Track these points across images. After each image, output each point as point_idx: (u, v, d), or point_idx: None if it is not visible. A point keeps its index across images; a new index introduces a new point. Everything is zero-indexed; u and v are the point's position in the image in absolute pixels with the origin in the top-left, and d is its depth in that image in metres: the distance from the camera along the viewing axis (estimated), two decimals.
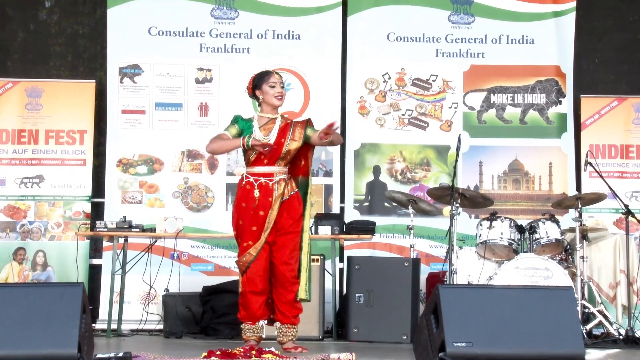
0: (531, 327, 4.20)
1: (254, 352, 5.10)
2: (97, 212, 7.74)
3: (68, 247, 7.51)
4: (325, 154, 7.84)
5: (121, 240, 6.79)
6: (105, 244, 7.35)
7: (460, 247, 6.76)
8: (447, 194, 6.65)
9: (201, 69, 7.88)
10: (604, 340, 6.36)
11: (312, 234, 6.31)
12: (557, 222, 6.77)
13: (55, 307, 4.13)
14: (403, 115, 7.93)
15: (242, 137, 5.20)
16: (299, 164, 5.36)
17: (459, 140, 6.52)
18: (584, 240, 6.66)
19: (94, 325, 6.92)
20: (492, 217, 6.73)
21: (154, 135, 7.79)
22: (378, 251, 7.62)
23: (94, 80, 7.88)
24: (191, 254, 7.65)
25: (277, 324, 5.31)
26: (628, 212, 6.62)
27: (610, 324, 6.46)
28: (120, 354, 4.47)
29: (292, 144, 5.24)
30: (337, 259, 6.98)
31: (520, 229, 6.78)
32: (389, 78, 7.95)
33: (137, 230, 6.69)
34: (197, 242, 7.63)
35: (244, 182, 5.27)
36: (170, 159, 7.80)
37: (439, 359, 4.09)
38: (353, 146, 7.88)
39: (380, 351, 5.78)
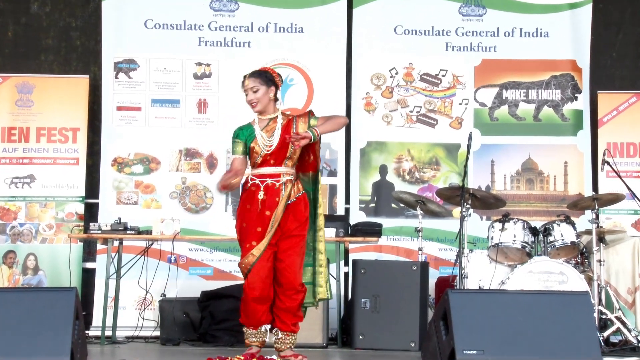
0: (545, 335, 4.19)
1: (255, 359, 5.10)
2: (90, 213, 7.75)
3: (60, 250, 7.51)
4: (329, 153, 7.84)
5: (116, 243, 6.79)
6: (99, 246, 7.36)
7: (471, 250, 6.74)
8: (457, 195, 6.64)
9: (200, 64, 7.88)
10: (622, 348, 6.34)
11: None
12: (572, 224, 6.75)
13: (46, 313, 4.14)
14: (411, 112, 7.92)
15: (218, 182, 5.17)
16: (307, 160, 5.34)
17: (470, 138, 6.51)
18: (601, 243, 6.65)
19: (87, 332, 6.92)
20: (505, 218, 6.72)
21: (150, 133, 7.80)
22: (385, 254, 7.62)
23: (87, 76, 7.88)
24: (189, 257, 7.65)
25: (276, 330, 5.31)
26: None
27: (629, 330, 6.44)
28: None
29: None
30: (342, 262, 6.98)
31: (534, 231, 6.77)
32: (397, 73, 7.94)
33: (133, 232, 6.69)
34: (196, 244, 7.63)
35: (249, 185, 5.25)
36: (167, 158, 7.80)
37: None
38: (358, 144, 7.87)
39: (386, 359, 5.76)
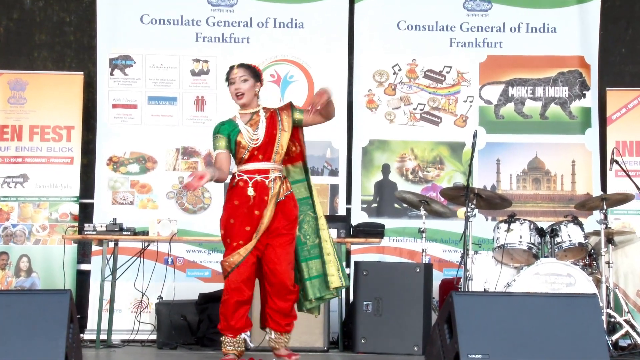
0: (552, 338, 4.20)
1: None
2: (85, 214, 7.76)
3: (54, 251, 7.52)
4: (330, 152, 7.85)
5: (111, 244, 6.80)
6: (94, 248, 7.36)
7: (476, 252, 6.75)
8: (461, 195, 6.65)
9: (197, 60, 7.89)
10: (631, 352, 6.35)
11: None
12: (580, 224, 6.76)
13: (40, 316, 4.14)
14: (414, 109, 7.93)
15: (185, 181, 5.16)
16: (294, 151, 5.38)
17: (475, 136, 6.51)
18: (610, 244, 6.66)
19: (82, 335, 6.92)
20: (511, 219, 6.72)
21: (146, 132, 7.80)
22: (387, 256, 7.63)
23: (82, 72, 7.89)
24: (186, 259, 7.66)
25: (269, 330, 5.32)
26: None
27: (638, 334, 6.45)
28: None
29: (284, 135, 5.26)
30: (344, 264, 6.98)
31: (540, 232, 6.77)
32: (400, 70, 7.95)
33: (129, 233, 6.70)
34: (193, 246, 7.63)
35: (235, 180, 5.27)
36: (164, 157, 7.81)
37: None
38: (360, 143, 7.88)
39: None
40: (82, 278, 7.65)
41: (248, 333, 5.28)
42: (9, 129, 7.73)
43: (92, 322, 7.29)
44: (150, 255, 7.04)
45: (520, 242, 6.67)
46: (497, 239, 6.73)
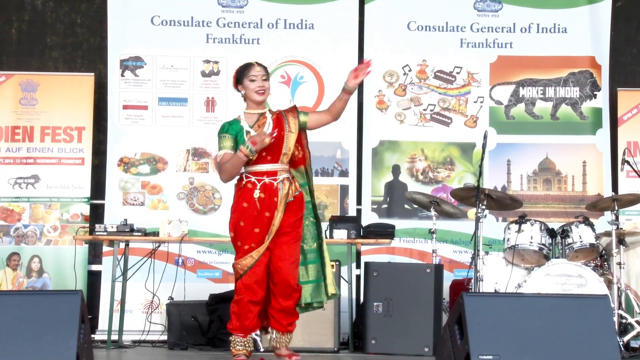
0: (563, 339, 4.20)
1: None
2: (96, 214, 7.77)
3: (65, 252, 7.54)
4: (340, 153, 7.85)
5: (122, 245, 6.81)
6: (105, 249, 7.38)
7: (487, 253, 6.74)
8: (472, 195, 6.64)
9: (208, 61, 7.90)
10: None
11: (326, 238, 6.32)
12: (591, 225, 6.74)
13: (51, 317, 4.16)
14: (425, 110, 7.93)
15: (239, 149, 5.16)
16: (297, 155, 5.39)
17: (485, 137, 6.51)
18: (621, 245, 6.64)
19: (93, 336, 6.93)
20: (521, 220, 6.72)
21: (157, 133, 7.82)
22: (398, 257, 7.62)
23: (93, 73, 7.91)
24: (197, 260, 7.67)
25: (271, 329, 5.33)
26: None
27: None
28: None
29: (291, 137, 5.27)
30: (354, 265, 6.99)
31: (551, 232, 6.76)
32: (410, 70, 7.94)
33: (139, 234, 6.72)
34: (204, 247, 7.65)
35: (244, 182, 5.27)
36: (174, 157, 7.82)
37: None
38: (371, 144, 7.88)
39: None
40: (93, 279, 7.67)
41: (258, 333, 5.29)
42: (20, 130, 7.76)
43: (103, 322, 7.32)
44: (161, 256, 7.05)
45: (531, 242, 6.66)
46: (508, 239, 6.72)
